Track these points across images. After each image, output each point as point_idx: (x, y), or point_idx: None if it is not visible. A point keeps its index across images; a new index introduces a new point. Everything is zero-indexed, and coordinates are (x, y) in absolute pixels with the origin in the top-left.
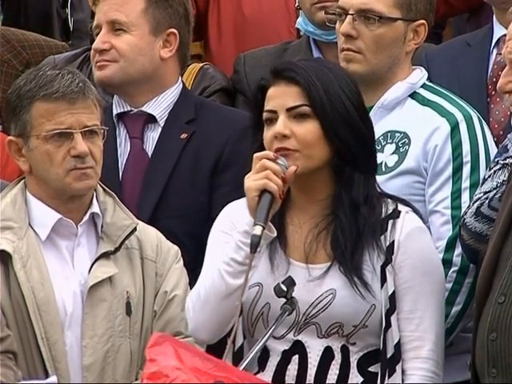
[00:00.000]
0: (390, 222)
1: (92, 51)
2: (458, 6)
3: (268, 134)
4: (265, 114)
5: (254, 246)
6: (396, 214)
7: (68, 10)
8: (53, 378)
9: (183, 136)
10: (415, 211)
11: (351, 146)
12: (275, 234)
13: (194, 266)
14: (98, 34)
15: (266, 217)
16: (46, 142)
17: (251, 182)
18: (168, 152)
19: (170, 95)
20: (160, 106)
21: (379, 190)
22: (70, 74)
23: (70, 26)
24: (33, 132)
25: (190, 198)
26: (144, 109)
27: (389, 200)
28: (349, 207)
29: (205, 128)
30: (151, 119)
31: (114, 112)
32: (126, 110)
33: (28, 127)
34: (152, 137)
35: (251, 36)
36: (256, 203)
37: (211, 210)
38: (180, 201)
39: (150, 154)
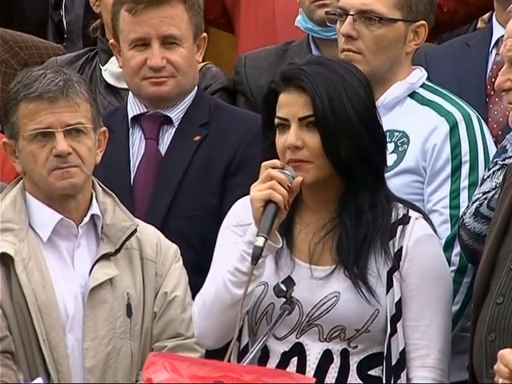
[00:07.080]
0: (400, 227)
1: (135, 63)
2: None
3: (280, 142)
4: (277, 121)
5: (256, 257)
6: (406, 220)
7: (62, 12)
8: (38, 379)
9: (196, 138)
10: (426, 218)
11: (351, 161)
12: (280, 245)
13: (202, 266)
14: (138, 46)
15: (270, 228)
16: (30, 142)
17: (256, 192)
18: (181, 154)
19: (187, 97)
20: (177, 108)
21: (393, 195)
22: (52, 74)
23: (65, 28)
24: (20, 133)
25: (201, 199)
26: (161, 110)
27: (400, 205)
28: (354, 212)
29: (218, 131)
30: (167, 121)
31: (130, 114)
32: (142, 111)
33: (16, 128)
34: (167, 138)
35: (278, 32)
36: (261, 214)
37: (222, 212)
38: (191, 203)
39: (163, 155)
